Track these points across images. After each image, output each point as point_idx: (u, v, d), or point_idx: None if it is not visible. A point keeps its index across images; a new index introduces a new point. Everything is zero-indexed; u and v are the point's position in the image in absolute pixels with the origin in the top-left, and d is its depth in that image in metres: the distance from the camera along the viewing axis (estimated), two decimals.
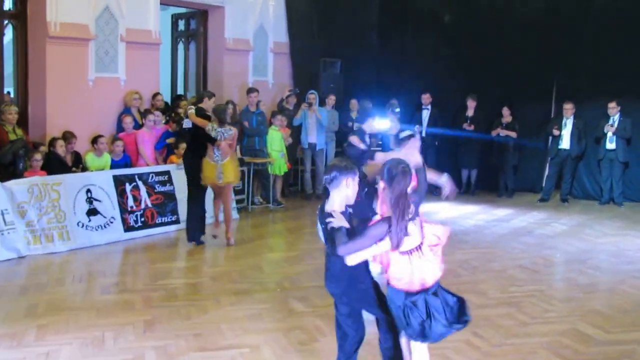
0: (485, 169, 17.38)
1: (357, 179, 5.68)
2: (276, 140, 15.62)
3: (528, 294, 9.30)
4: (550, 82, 17.55)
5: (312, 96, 16.44)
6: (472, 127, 16.97)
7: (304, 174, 16.94)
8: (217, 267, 10.80)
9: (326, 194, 5.78)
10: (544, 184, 17.22)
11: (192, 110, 11.73)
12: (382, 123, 15.32)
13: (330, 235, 5.46)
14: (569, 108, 16.40)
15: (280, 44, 18.18)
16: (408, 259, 5.44)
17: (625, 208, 15.87)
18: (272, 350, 7.21)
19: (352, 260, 5.36)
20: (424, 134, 16.93)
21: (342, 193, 5.64)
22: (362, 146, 9.60)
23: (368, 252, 5.37)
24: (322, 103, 16.94)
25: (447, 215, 14.45)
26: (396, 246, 5.32)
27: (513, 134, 16.88)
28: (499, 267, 10.29)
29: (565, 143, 16.51)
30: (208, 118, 11.67)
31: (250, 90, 15.84)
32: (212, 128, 11.52)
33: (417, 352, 5.70)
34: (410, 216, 5.38)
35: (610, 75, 16.30)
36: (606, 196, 16.39)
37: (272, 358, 7.02)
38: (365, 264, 5.69)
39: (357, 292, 5.75)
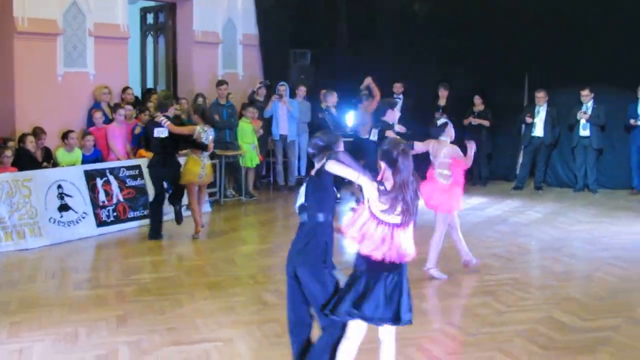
0: None
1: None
2: (247, 132, 15.58)
3: (503, 283, 9.35)
4: (522, 70, 17.64)
5: (283, 88, 16.42)
6: (444, 117, 17.00)
7: (276, 165, 16.92)
8: (190, 261, 10.78)
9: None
10: (517, 172, 17.30)
11: (169, 122, 11.70)
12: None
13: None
14: (541, 96, 16.49)
15: (249, 36, 18.15)
16: (385, 230, 5.49)
17: (600, 195, 15.97)
18: (247, 343, 7.20)
19: (333, 167, 5.42)
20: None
21: None
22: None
23: (348, 172, 5.41)
24: (292, 94, 16.92)
25: (421, 205, 14.45)
26: (405, 221, 5.49)
27: (486, 123, 16.95)
28: (474, 256, 10.32)
29: (538, 131, 16.60)
30: (183, 124, 11.71)
31: (220, 83, 15.78)
32: (202, 130, 11.59)
33: (352, 331, 5.65)
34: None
35: (584, 63, 16.39)
36: (580, 183, 16.49)
37: (247, 351, 7.02)
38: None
39: (319, 271, 5.74)
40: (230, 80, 16.58)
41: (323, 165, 5.56)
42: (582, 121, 16.05)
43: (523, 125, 16.98)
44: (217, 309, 8.27)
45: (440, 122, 9.76)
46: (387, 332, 5.72)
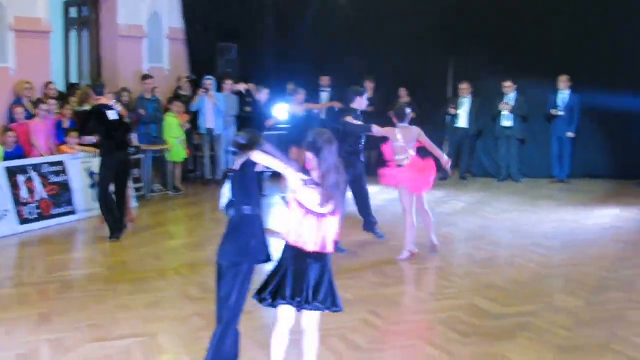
0: None
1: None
2: (173, 127, 15.45)
3: (427, 272, 9.47)
4: (446, 62, 17.82)
5: (209, 82, 16.33)
6: (371, 109, 17.02)
7: (202, 160, 16.84)
8: (115, 257, 10.63)
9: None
10: None
11: (120, 105, 11.59)
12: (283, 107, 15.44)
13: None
14: (465, 88, 16.71)
15: (175, 30, 18.02)
16: (312, 220, 5.61)
17: (523, 184, 16.24)
18: (170, 338, 7.15)
19: (259, 157, 5.63)
20: (322, 116, 17.00)
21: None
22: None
23: (275, 163, 5.60)
24: (219, 88, 16.85)
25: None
26: (321, 204, 5.57)
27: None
28: (398, 246, 10.38)
29: (462, 122, 16.83)
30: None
31: (146, 77, 15.61)
32: None
33: (280, 319, 5.79)
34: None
35: (506, 55, 16.64)
36: (504, 173, 16.74)
37: (170, 346, 6.97)
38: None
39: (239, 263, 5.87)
40: (156, 74, 16.43)
41: (248, 160, 5.68)
42: (505, 112, 16.30)
43: (447, 117, 17.17)
44: (141, 305, 8.20)
45: (406, 111, 10.35)
46: (310, 321, 5.80)
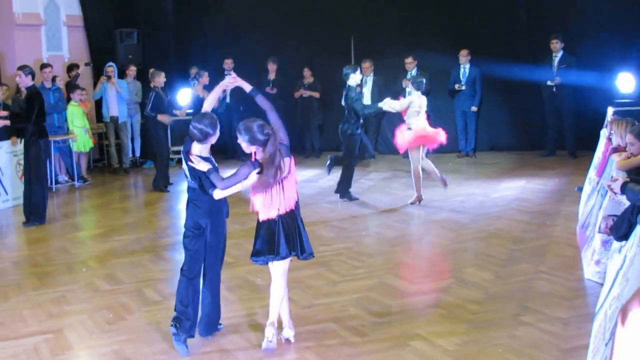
0: (290, 131, 17.36)
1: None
2: (77, 115, 15.05)
3: (337, 253, 9.36)
4: (347, 40, 17.75)
5: (110, 69, 15.98)
6: (274, 91, 16.88)
7: (108, 148, 16.46)
8: (20, 252, 10.30)
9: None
10: None
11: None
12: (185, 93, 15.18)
13: (206, 177, 6.22)
14: (367, 66, 16.65)
15: (73, 17, 17.49)
16: (279, 186, 6.25)
17: (429, 159, 16.26)
18: (77, 333, 6.90)
19: (222, 194, 6.19)
20: (228, 100, 16.79)
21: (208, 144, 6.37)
22: None
23: (238, 187, 6.14)
24: (122, 75, 16.48)
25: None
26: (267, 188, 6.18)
27: (316, 94, 17.00)
28: (308, 228, 10.23)
29: (366, 100, 16.72)
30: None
31: (44, 66, 15.12)
32: None
33: (274, 274, 6.45)
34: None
35: (407, 30, 16.66)
36: None
37: (77, 341, 6.71)
38: (225, 200, 6.52)
39: (220, 223, 6.55)
40: (55, 62, 15.98)
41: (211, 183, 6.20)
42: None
43: None
44: (47, 300, 7.91)
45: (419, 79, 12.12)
46: (276, 268, 6.40)
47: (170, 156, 16.94)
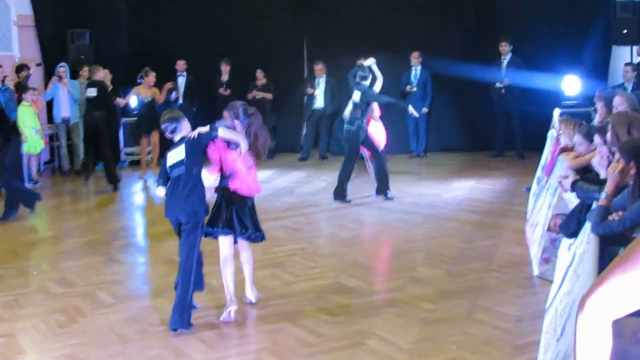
0: None
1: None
2: (28, 116, 14.77)
3: (291, 253, 9.32)
4: (300, 41, 17.76)
5: (62, 69, 15.75)
6: (228, 92, 16.78)
7: (60, 150, 16.24)
8: None
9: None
10: (302, 143, 17.44)
11: None
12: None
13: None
14: (319, 68, 16.66)
15: (24, 17, 17.21)
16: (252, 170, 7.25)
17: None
18: (30, 337, 6.75)
19: (225, 132, 6.88)
20: (180, 101, 16.68)
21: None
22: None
23: (238, 137, 6.99)
24: (74, 75, 16.28)
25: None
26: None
27: (269, 96, 16.93)
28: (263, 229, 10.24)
29: (319, 102, 16.80)
30: None
31: None
32: None
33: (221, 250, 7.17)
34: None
35: (360, 32, 16.71)
36: None
37: (30, 345, 6.57)
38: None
39: (206, 209, 6.96)
40: (5, 63, 15.68)
41: (211, 130, 6.80)
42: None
43: (305, 97, 17.11)
44: None
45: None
46: (244, 244, 7.37)
47: (122, 158, 16.82)
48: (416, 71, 16.59)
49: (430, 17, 16.97)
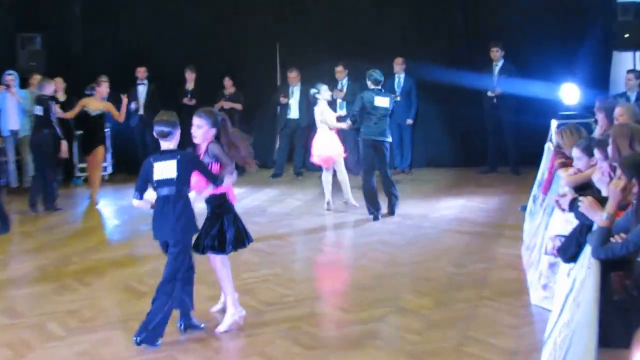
0: None
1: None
2: None
3: (263, 279, 9.25)
4: (272, 46, 17.74)
5: (10, 77, 15.64)
6: (193, 102, 16.71)
7: (7, 165, 16.12)
8: None
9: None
10: (275, 158, 17.40)
11: None
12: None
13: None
14: (293, 76, 16.66)
15: None
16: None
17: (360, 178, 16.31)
18: None
19: (216, 149, 7.25)
20: (141, 112, 16.61)
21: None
22: None
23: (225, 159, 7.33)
24: (24, 84, 16.16)
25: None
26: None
27: (238, 106, 16.88)
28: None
29: (293, 112, 16.76)
30: None
31: None
32: None
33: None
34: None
35: (337, 37, 16.71)
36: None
37: None
38: None
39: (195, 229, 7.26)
40: None
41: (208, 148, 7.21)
42: (339, 100, 16.31)
43: (278, 107, 17.08)
44: None
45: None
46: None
47: (77, 174, 16.71)
48: (399, 79, 16.59)
49: (414, 20, 17.02)
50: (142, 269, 9.73)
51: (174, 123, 6.99)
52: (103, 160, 15.19)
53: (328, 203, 13.30)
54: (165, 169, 6.87)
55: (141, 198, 7.07)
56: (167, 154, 6.93)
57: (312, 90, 13.30)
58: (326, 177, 13.34)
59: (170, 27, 17.57)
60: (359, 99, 12.45)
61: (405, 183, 15.80)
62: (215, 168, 7.23)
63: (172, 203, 6.88)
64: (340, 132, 13.79)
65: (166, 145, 6.97)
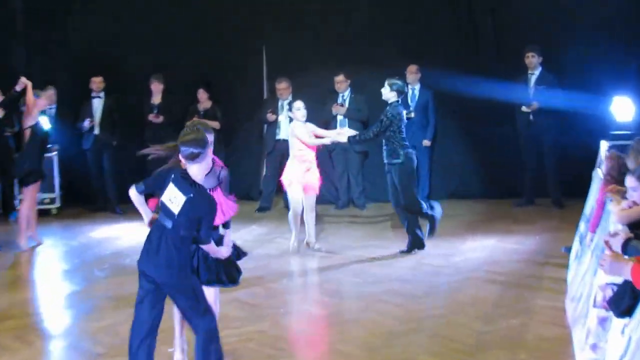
0: None
1: None
2: None
3: (246, 338, 9.24)
4: (258, 52, 17.79)
5: None
6: (160, 119, 16.71)
7: None
8: None
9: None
10: (261, 188, 17.38)
11: None
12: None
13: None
14: (283, 87, 16.67)
15: None
16: None
17: (369, 211, 16.33)
18: None
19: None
20: (96, 131, 16.64)
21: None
22: None
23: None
24: None
25: (136, 240, 14.09)
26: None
27: (215, 124, 16.86)
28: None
29: (283, 132, 16.74)
30: None
31: None
32: None
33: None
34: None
35: (336, 39, 16.78)
36: (343, 197, 16.82)
37: None
38: None
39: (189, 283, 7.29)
40: None
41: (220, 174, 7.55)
42: (339, 116, 16.34)
43: (265, 126, 17.09)
44: None
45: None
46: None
47: (16, 206, 16.73)
48: (414, 91, 16.62)
49: (430, 21, 17.07)
50: (96, 325, 9.71)
51: (204, 142, 6.82)
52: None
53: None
54: (173, 198, 6.79)
55: (142, 193, 7.08)
56: (185, 183, 6.80)
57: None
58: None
59: (133, 29, 17.63)
60: (387, 118, 12.66)
61: (422, 219, 15.78)
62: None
63: (171, 238, 6.85)
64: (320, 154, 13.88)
65: (194, 169, 6.84)
